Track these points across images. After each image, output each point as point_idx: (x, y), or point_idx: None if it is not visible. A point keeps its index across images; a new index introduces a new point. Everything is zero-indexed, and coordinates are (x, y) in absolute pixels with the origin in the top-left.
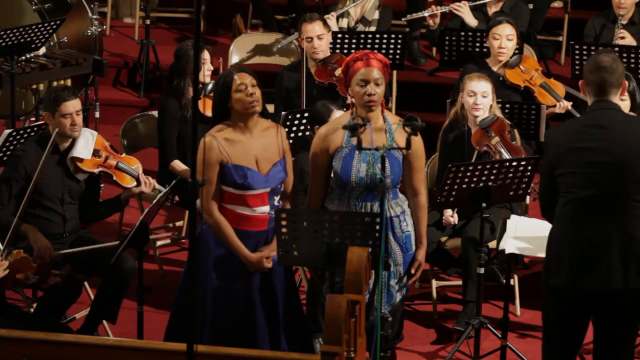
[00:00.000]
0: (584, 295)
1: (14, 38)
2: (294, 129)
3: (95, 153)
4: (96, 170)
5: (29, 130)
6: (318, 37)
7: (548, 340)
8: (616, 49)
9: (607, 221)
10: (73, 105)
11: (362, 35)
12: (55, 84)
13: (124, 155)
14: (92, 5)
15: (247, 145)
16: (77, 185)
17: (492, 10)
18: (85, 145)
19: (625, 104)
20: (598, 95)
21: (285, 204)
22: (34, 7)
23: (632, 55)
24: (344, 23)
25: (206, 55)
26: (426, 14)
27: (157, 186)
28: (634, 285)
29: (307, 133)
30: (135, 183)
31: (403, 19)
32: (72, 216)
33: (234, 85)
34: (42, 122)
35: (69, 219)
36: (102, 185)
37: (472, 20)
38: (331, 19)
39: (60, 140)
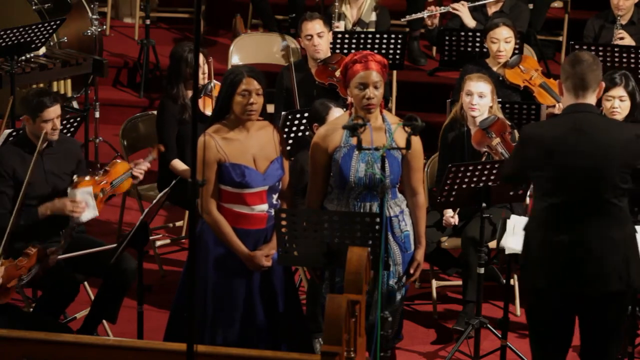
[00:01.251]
0: (564, 297)
1: (14, 38)
2: (294, 128)
3: (95, 198)
4: (102, 207)
5: None
6: (318, 34)
7: (535, 340)
8: (616, 49)
9: (585, 224)
10: (54, 111)
11: (362, 36)
12: (55, 84)
13: (109, 169)
14: (92, 5)
15: (244, 143)
16: (62, 180)
17: (492, 10)
18: (89, 208)
19: (625, 105)
20: (576, 93)
21: (283, 202)
22: (34, 7)
23: (632, 55)
24: (341, 26)
25: (200, 59)
26: (425, 14)
27: (145, 165)
28: (612, 288)
29: (307, 133)
30: (133, 180)
31: (402, 20)
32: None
33: (239, 89)
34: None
35: (61, 216)
36: None
37: (470, 21)
38: (339, 28)
39: (37, 141)
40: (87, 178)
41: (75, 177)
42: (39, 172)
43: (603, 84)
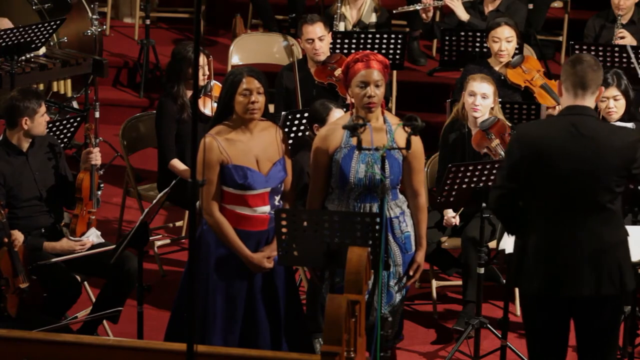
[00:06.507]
0: (558, 302)
1: (14, 38)
2: (294, 129)
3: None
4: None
5: None
6: (319, 38)
7: (531, 343)
8: (616, 49)
9: (578, 228)
10: (44, 108)
11: (362, 36)
12: (55, 84)
13: (81, 192)
14: (92, 5)
15: (247, 145)
16: (50, 176)
17: (488, 8)
18: (99, 243)
19: (620, 103)
20: (575, 92)
21: (285, 203)
22: (34, 7)
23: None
24: (341, 27)
25: (201, 60)
26: (418, 7)
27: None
28: (604, 292)
29: (307, 133)
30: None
31: (394, 11)
32: (55, 206)
33: (240, 88)
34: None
35: (55, 209)
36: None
37: (463, 14)
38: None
39: (21, 142)
40: (75, 213)
41: (64, 229)
42: (27, 174)
43: (603, 89)
